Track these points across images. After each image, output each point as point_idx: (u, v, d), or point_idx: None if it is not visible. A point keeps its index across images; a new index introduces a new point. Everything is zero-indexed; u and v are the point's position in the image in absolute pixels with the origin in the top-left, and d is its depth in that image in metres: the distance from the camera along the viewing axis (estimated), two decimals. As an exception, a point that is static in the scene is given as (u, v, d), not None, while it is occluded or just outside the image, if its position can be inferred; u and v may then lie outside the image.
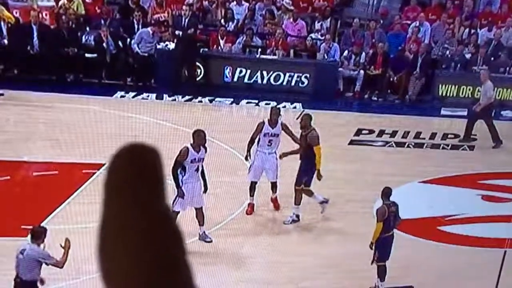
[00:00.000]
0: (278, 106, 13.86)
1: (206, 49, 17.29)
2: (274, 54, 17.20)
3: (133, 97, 16.30)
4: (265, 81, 16.92)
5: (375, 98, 17.32)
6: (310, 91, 16.84)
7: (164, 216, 0.95)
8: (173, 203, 10.12)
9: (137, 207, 0.92)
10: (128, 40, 16.96)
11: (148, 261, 0.92)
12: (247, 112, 16.29)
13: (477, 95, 15.91)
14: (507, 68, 17.13)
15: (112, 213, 0.93)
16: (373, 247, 9.73)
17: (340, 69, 17.28)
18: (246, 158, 11.57)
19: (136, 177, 0.93)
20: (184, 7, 16.87)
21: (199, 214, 10.57)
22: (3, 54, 15.76)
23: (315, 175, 11.24)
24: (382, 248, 9.72)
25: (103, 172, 0.98)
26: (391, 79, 17.21)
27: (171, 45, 16.75)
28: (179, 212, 10.19)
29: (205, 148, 10.47)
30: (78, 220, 10.70)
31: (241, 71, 16.93)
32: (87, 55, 16.75)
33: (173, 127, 14.15)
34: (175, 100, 16.27)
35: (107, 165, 0.95)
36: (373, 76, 17.28)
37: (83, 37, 17.04)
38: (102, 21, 17.24)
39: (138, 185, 0.93)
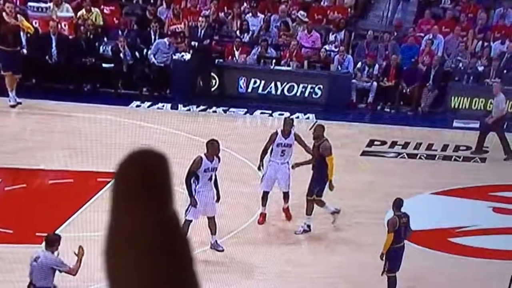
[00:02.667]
0: (291, 117, 14.01)
1: (221, 60, 17.47)
2: (288, 65, 17.34)
3: (149, 107, 16.48)
4: (279, 92, 17.05)
5: (388, 110, 17.40)
6: (323, 102, 16.95)
7: (171, 223, 0.93)
8: (186, 211, 10.26)
9: (144, 213, 0.91)
10: (145, 50, 17.17)
11: (155, 269, 0.90)
12: (260, 122, 16.42)
13: (489, 107, 15.94)
14: (520, 81, 17.15)
15: (118, 219, 0.92)
16: (384, 258, 9.79)
17: (354, 80, 17.38)
18: (259, 168, 11.69)
19: (143, 183, 0.91)
20: (200, 18, 17.05)
21: (212, 223, 10.69)
22: (22, 63, 16.00)
23: (327, 186, 11.34)
24: (392, 259, 9.78)
25: (113, 178, 0.95)
26: (404, 91, 17.29)
27: (187, 56, 16.94)
28: (191, 220, 10.33)
29: (219, 158, 10.60)
30: (92, 228, 10.84)
31: (255, 82, 17.08)
32: (104, 65, 16.97)
33: (188, 137, 14.30)
34: (190, 110, 16.43)
35: (114, 171, 0.94)
36: (386, 88, 17.37)
37: (101, 47, 17.27)
38: (120, 32, 17.47)
39: (145, 191, 0.91)
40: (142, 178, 0.92)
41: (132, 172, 0.93)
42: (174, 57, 16.99)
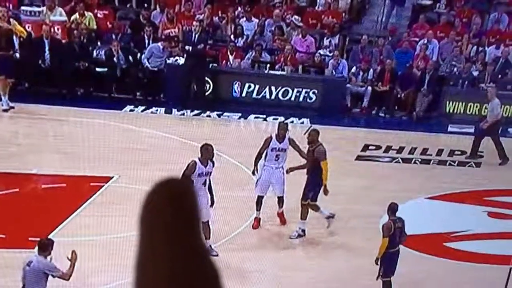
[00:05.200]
0: (285, 121, 13.99)
1: (215, 65, 17.43)
2: (283, 70, 17.32)
3: (142, 111, 16.43)
4: (273, 97, 17.03)
5: (382, 114, 17.39)
6: (317, 107, 16.92)
7: (200, 254, 0.94)
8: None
9: (174, 244, 0.91)
10: (139, 55, 17.13)
11: None
12: (255, 127, 16.38)
13: (484, 112, 15.93)
14: (515, 86, 17.18)
15: (149, 249, 0.92)
16: (379, 263, 9.75)
17: (348, 85, 17.37)
18: (253, 173, 11.65)
19: (173, 216, 0.93)
20: (194, 22, 17.02)
21: (206, 228, 10.60)
22: (15, 67, 15.92)
23: (321, 190, 11.30)
24: (387, 263, 9.75)
25: (141, 207, 0.96)
26: (399, 95, 17.28)
27: (181, 60, 16.90)
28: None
29: (213, 162, 10.56)
30: (85, 232, 10.79)
31: (249, 86, 17.05)
32: (97, 69, 16.92)
33: (182, 141, 14.26)
34: (184, 114, 16.38)
35: (144, 200, 0.95)
36: (381, 93, 17.36)
37: (94, 51, 17.23)
38: (113, 36, 17.42)
39: (174, 222, 0.92)
40: (171, 208, 0.93)
41: (160, 202, 0.94)
42: (168, 61, 16.96)
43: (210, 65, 17.28)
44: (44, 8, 17.24)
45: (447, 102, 17.20)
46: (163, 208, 0.93)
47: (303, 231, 11.49)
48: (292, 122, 15.82)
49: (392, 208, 9.84)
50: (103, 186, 12.30)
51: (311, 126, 14.64)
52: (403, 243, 9.99)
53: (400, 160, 14.77)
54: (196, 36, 16.64)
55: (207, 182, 10.55)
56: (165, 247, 0.91)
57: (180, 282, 0.91)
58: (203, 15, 18.12)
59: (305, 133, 13.00)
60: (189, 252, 0.92)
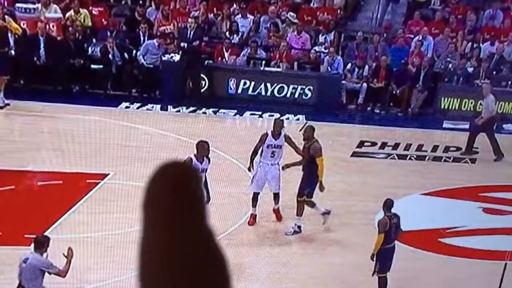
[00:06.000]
0: (281, 118, 13.99)
1: (211, 61, 17.44)
2: (278, 67, 17.34)
3: (138, 108, 16.42)
4: (269, 93, 17.04)
5: (378, 111, 17.42)
6: (313, 103, 16.95)
7: (206, 237, 0.93)
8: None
9: (179, 227, 0.90)
10: (134, 51, 17.12)
11: (190, 286, 0.90)
12: (250, 123, 16.40)
13: (479, 108, 15.98)
14: (509, 82, 17.23)
15: (152, 233, 0.90)
16: (375, 259, 9.78)
17: (343, 81, 17.39)
18: (249, 169, 11.66)
19: (178, 198, 0.90)
20: (189, 19, 17.03)
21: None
22: (10, 64, 15.90)
23: (317, 187, 11.32)
24: (383, 259, 9.78)
25: (142, 192, 0.92)
26: (394, 92, 17.31)
27: (176, 57, 16.90)
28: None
29: (209, 159, 10.58)
30: (81, 229, 10.79)
31: (245, 83, 17.06)
32: (93, 66, 16.91)
33: (177, 138, 14.27)
34: (179, 111, 16.39)
35: (145, 185, 0.91)
36: (376, 89, 17.39)
37: (89, 48, 17.21)
38: (109, 33, 17.41)
39: (178, 205, 0.90)
40: (175, 190, 0.90)
41: (163, 185, 0.91)
42: (163, 58, 16.95)
43: (206, 62, 17.28)
44: (39, 5, 17.21)
45: (442, 99, 17.25)
46: (166, 191, 0.90)
47: (299, 227, 11.51)
48: (287, 118, 15.83)
49: (388, 204, 9.87)
50: (99, 183, 12.30)
51: (306, 123, 14.66)
52: (398, 239, 10.02)
53: (396, 156, 14.80)
54: (192, 33, 16.64)
55: (203, 179, 10.56)
56: (169, 230, 0.89)
57: (185, 266, 0.89)
58: (198, 12, 18.13)
59: (300, 130, 13.02)
60: (195, 235, 0.91)
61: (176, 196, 0.90)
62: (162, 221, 0.89)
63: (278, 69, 17.28)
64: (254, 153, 11.51)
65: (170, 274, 0.89)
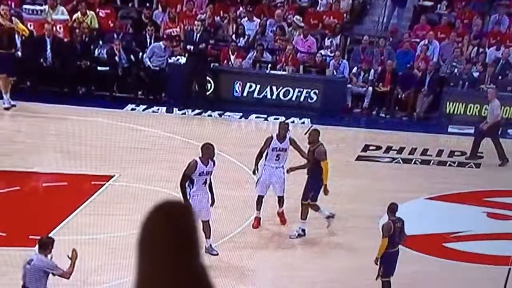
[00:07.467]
0: (286, 121, 14.00)
1: (217, 64, 17.47)
2: (284, 70, 17.36)
3: (144, 110, 16.46)
4: (274, 96, 17.06)
5: (383, 115, 17.42)
6: (318, 107, 16.95)
7: (199, 275, 0.95)
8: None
9: (173, 264, 0.93)
10: (140, 54, 17.17)
11: None
12: (256, 126, 16.42)
13: (484, 113, 15.96)
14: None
15: (148, 270, 0.93)
16: (378, 263, 9.78)
17: (349, 85, 17.40)
18: (253, 172, 11.68)
19: (172, 237, 0.93)
20: (196, 22, 17.06)
21: (206, 227, 10.65)
22: (16, 66, 15.96)
23: (321, 190, 11.33)
24: (387, 263, 9.77)
25: (139, 228, 0.96)
26: (399, 96, 17.31)
27: (182, 60, 16.94)
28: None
29: (214, 162, 10.59)
30: (85, 231, 10.83)
31: (250, 86, 17.08)
32: (99, 68, 16.96)
33: (183, 140, 14.30)
34: (185, 113, 16.42)
35: (142, 221, 0.96)
36: (381, 93, 17.39)
37: (96, 50, 17.27)
38: (115, 35, 17.46)
39: (173, 245, 0.93)
40: (169, 230, 0.93)
41: (159, 223, 0.94)
42: (169, 60, 17.00)
43: (212, 64, 17.31)
44: (46, 7, 17.27)
45: (448, 103, 17.23)
46: (162, 229, 0.94)
47: (303, 230, 11.52)
48: (293, 122, 15.85)
49: (392, 209, 9.87)
50: (104, 184, 12.34)
51: (311, 126, 14.67)
52: (402, 243, 10.02)
53: (400, 161, 14.80)
54: (198, 35, 16.67)
55: (208, 182, 10.58)
56: (163, 267, 0.92)
57: None
58: (204, 14, 18.17)
59: (305, 133, 13.03)
60: (188, 272, 0.93)
61: (169, 235, 0.93)
62: (155, 259, 0.93)
63: (284, 73, 17.30)
64: (259, 156, 11.52)
65: None
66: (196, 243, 0.96)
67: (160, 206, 0.96)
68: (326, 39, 18.30)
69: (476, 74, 17.44)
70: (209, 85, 17.03)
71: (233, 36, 18.14)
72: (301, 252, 11.37)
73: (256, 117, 16.59)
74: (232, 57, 17.46)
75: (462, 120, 16.79)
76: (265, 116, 16.57)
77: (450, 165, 14.80)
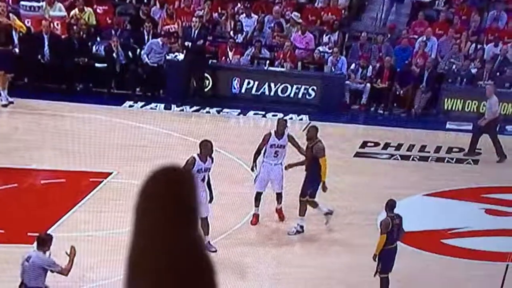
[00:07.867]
0: (284, 118, 13.99)
1: (215, 61, 17.46)
2: (282, 66, 17.34)
3: (142, 107, 16.45)
4: (272, 93, 17.05)
5: (381, 111, 17.42)
6: (316, 103, 16.95)
7: (196, 245, 0.92)
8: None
9: (169, 233, 0.89)
10: (138, 50, 17.15)
11: None
12: (254, 123, 16.42)
13: (482, 109, 15.95)
14: (513, 84, 17.21)
15: (142, 237, 0.90)
16: (377, 259, 9.79)
17: (347, 82, 17.39)
18: (252, 169, 11.68)
19: (169, 202, 0.90)
20: (194, 18, 17.04)
21: (204, 224, 10.64)
22: (14, 62, 15.94)
23: (320, 187, 11.33)
24: (385, 260, 9.79)
25: (137, 194, 0.92)
26: (397, 92, 17.31)
27: (180, 56, 16.92)
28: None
29: (212, 158, 10.59)
30: (84, 228, 10.84)
31: (249, 83, 17.07)
32: (97, 65, 16.93)
33: (181, 137, 14.29)
34: (183, 110, 16.41)
35: (140, 186, 0.92)
36: (380, 90, 17.39)
37: (94, 47, 17.24)
38: (113, 32, 17.43)
39: (170, 211, 0.89)
40: (168, 196, 0.90)
41: (157, 190, 0.90)
42: (167, 57, 16.97)
43: (210, 61, 17.30)
44: (44, 3, 17.24)
45: (446, 99, 17.24)
46: (159, 195, 0.90)
47: (302, 227, 11.52)
48: (291, 118, 15.83)
49: (390, 205, 9.88)
50: (102, 181, 12.33)
51: (310, 123, 14.66)
52: (401, 240, 10.03)
53: (399, 157, 14.80)
54: (196, 32, 16.66)
55: (206, 178, 10.58)
56: (159, 235, 0.89)
57: (173, 274, 0.89)
58: (202, 11, 18.13)
59: (304, 130, 13.04)
60: (184, 242, 0.90)
61: (169, 200, 0.90)
62: (151, 226, 0.89)
63: (282, 69, 17.29)
64: (257, 152, 11.53)
65: (155, 280, 0.89)
66: (195, 213, 0.91)
67: (160, 170, 0.91)
68: (324, 35, 18.29)
69: (474, 71, 17.44)
70: (207, 81, 17.02)
71: (231, 33, 18.12)
72: (299, 248, 11.39)
73: (254, 114, 16.59)
74: (230, 54, 17.44)
75: (460, 117, 16.79)
76: (263, 112, 16.57)
77: (448, 161, 14.81)
